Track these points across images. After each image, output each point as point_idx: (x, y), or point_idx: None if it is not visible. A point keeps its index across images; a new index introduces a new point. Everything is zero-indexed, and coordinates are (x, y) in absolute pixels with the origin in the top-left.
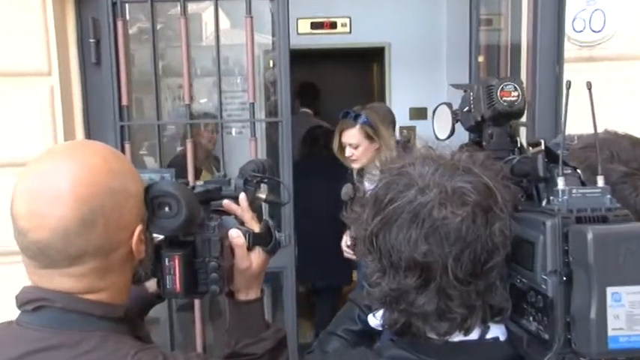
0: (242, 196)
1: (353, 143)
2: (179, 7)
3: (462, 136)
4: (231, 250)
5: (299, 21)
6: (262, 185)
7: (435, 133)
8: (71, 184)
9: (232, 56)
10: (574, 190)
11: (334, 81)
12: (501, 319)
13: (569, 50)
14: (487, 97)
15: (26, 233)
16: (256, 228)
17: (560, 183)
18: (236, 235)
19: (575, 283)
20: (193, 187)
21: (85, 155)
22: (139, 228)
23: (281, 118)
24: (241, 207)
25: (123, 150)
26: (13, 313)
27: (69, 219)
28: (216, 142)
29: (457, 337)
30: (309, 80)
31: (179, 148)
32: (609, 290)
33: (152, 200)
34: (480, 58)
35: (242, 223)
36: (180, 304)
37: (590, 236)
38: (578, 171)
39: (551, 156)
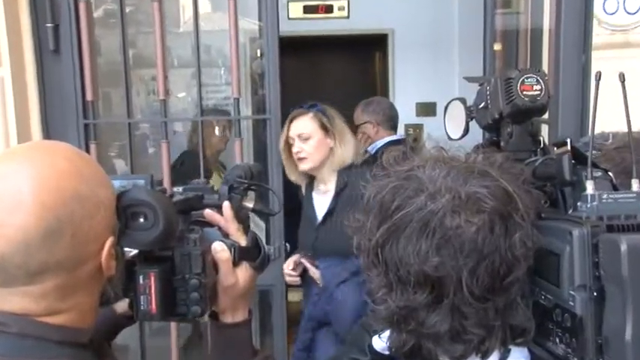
0: (226, 204)
1: (304, 134)
2: None
3: (477, 135)
4: (215, 265)
5: (290, 4)
6: (249, 193)
7: (446, 132)
8: (34, 190)
9: (214, 44)
10: (605, 195)
11: (330, 73)
12: (524, 341)
13: (599, 35)
14: (506, 92)
15: None
16: (242, 241)
17: (589, 187)
18: (220, 249)
19: (607, 299)
20: (171, 195)
21: (50, 157)
22: (109, 241)
23: (269, 116)
24: (225, 217)
25: (88, 152)
26: None
27: (31, 229)
28: (229, 140)
29: None
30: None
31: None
32: None
33: (125, 209)
34: (497, 46)
35: (226, 236)
36: (155, 328)
37: (623, 247)
38: (610, 174)
39: (578, 157)
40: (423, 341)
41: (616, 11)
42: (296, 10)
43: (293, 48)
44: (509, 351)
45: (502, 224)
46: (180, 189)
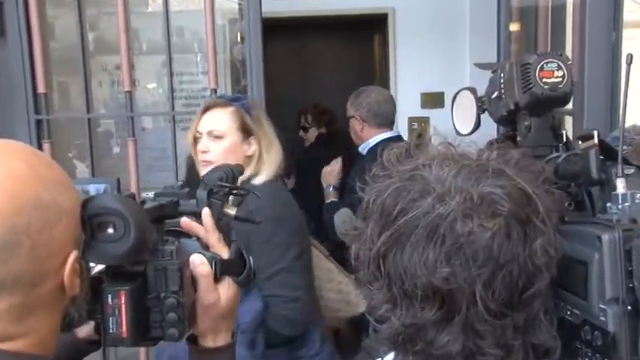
0: (206, 212)
1: (215, 131)
2: None
3: (491, 130)
4: (194, 281)
5: None
6: (231, 198)
7: (455, 127)
8: None
9: (188, 27)
10: (638, 195)
11: (322, 60)
12: None
13: (633, 12)
14: (522, 79)
15: None
16: (225, 253)
17: (620, 186)
18: (199, 263)
19: None
20: (143, 202)
21: (3, 158)
22: (73, 254)
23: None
24: (205, 226)
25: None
26: None
27: None
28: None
29: None
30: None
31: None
32: None
33: (91, 219)
34: (513, 26)
35: (206, 247)
36: (123, 355)
37: None
38: None
39: (607, 152)
40: None
41: None
42: None
43: (279, 31)
44: None
45: (520, 229)
46: (152, 194)
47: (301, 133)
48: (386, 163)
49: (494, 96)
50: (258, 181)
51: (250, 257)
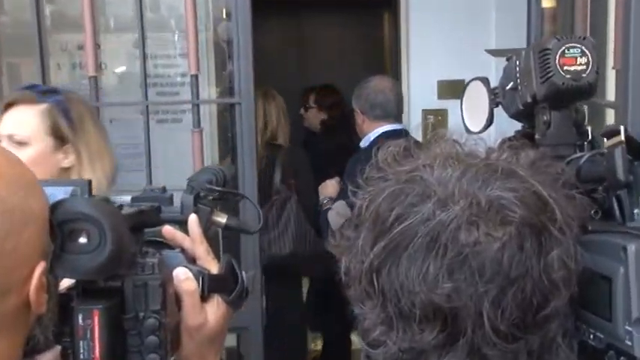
0: (192, 219)
1: (17, 135)
2: None
3: (507, 126)
4: (178, 300)
5: None
6: (221, 203)
7: (464, 123)
8: None
9: (164, 0)
10: None
11: (322, 42)
12: None
13: None
14: (541, 67)
15: None
16: (214, 267)
17: None
18: (184, 278)
19: None
20: (120, 207)
21: None
22: (40, 266)
23: (239, 99)
24: (191, 236)
25: None
26: None
27: None
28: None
29: None
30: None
31: None
32: None
33: (61, 225)
34: (546, 2)
35: (193, 260)
36: None
37: None
38: None
39: (637, 151)
40: None
41: None
42: None
43: (271, 8)
44: None
45: (534, 239)
46: (128, 199)
47: (302, 111)
48: (381, 164)
49: (509, 87)
50: None
51: (244, 273)
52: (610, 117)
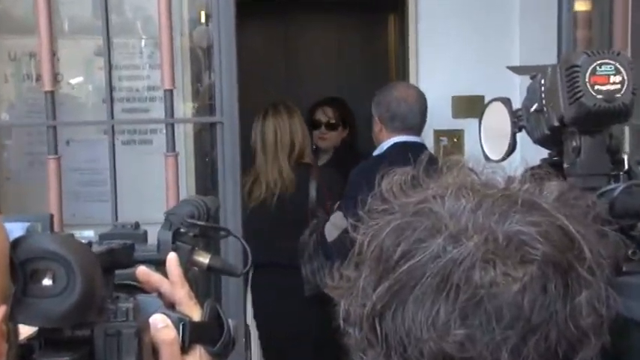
0: (171, 259)
1: None
2: None
3: (532, 154)
4: (155, 351)
5: None
6: (203, 241)
7: (483, 150)
8: None
9: (132, 1)
10: None
11: (318, 51)
12: None
13: None
14: (569, 87)
15: None
16: (196, 313)
17: None
18: (162, 326)
19: None
20: (89, 245)
21: None
22: (0, 311)
23: (220, 118)
24: (170, 278)
25: None
26: None
27: None
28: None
29: None
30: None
31: None
32: None
33: (23, 265)
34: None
35: (172, 306)
36: None
37: None
38: None
39: None
40: None
41: None
42: None
43: (258, 11)
44: None
45: (559, 280)
46: (91, 234)
47: (322, 130)
48: (386, 194)
49: (533, 109)
50: None
51: (229, 320)
52: None
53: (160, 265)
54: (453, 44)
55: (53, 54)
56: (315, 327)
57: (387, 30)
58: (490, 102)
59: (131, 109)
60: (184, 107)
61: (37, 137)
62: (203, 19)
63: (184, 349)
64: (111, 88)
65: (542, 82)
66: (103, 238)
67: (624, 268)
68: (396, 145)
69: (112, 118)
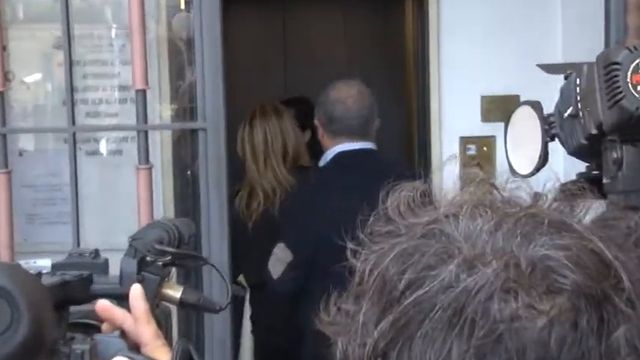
0: (136, 292)
1: None
2: None
3: (567, 167)
4: None
5: None
6: (173, 271)
7: (509, 163)
8: None
9: None
10: None
11: (321, 43)
12: None
13: None
14: (608, 88)
15: None
16: (164, 357)
17: None
18: None
19: None
20: (39, 276)
21: None
22: None
23: (203, 124)
24: (134, 314)
25: None
26: None
27: None
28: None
29: None
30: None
31: None
32: None
33: None
34: None
35: (136, 347)
36: None
37: None
38: None
39: None
40: None
41: None
42: None
43: None
44: None
45: (593, 313)
46: (48, 264)
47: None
48: (391, 214)
49: (567, 114)
50: None
51: None
52: None
53: (122, 300)
54: (482, 34)
55: (3, 47)
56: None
57: (404, 17)
58: (518, 106)
59: (97, 113)
60: (161, 110)
61: None
62: (183, 5)
63: None
64: (72, 88)
65: (577, 82)
66: (55, 268)
67: None
68: (340, 155)
69: (74, 124)
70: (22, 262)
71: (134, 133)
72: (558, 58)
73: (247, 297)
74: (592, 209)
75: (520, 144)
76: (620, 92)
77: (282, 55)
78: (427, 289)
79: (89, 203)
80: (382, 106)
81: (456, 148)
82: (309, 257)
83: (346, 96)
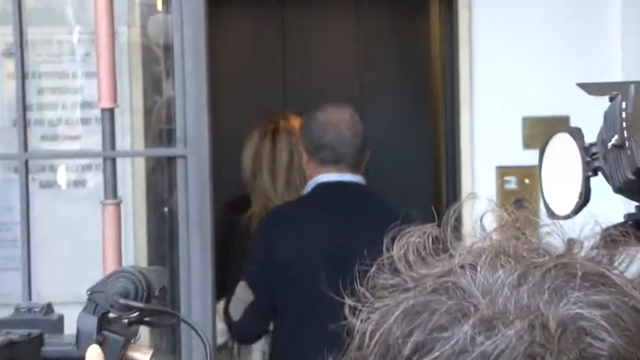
0: (93, 354)
1: None
2: None
3: (613, 205)
4: None
5: None
6: (142, 331)
7: (544, 201)
8: None
9: None
10: None
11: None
12: None
13: None
14: None
15: None
16: None
17: None
18: None
19: None
20: None
21: None
22: None
23: (183, 150)
24: None
25: None
26: None
27: None
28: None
29: None
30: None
31: None
32: None
33: None
34: None
35: None
36: None
37: None
38: None
39: None
40: None
41: None
42: None
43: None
44: None
45: None
46: None
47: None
48: (398, 263)
49: (611, 143)
50: None
51: None
52: None
53: None
54: (524, 41)
55: None
56: None
57: (428, 19)
58: (554, 134)
59: (55, 136)
60: (132, 133)
61: None
62: (160, 4)
63: None
64: (25, 106)
65: (624, 106)
66: (1, 325)
67: None
68: (324, 186)
69: (26, 150)
70: None
71: (99, 161)
72: (617, 72)
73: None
74: (637, 259)
75: (557, 179)
76: None
77: (281, 63)
78: (437, 354)
79: (44, 245)
80: (401, 129)
81: (492, 179)
82: (272, 298)
83: (339, 120)
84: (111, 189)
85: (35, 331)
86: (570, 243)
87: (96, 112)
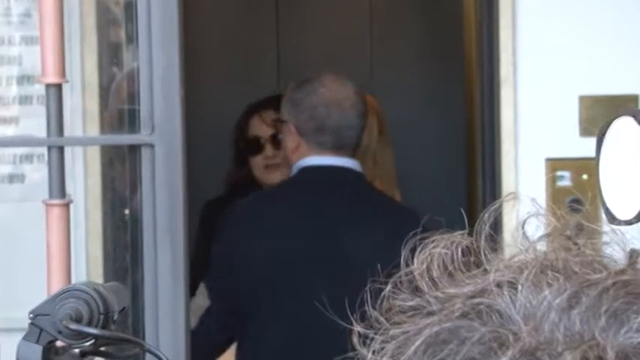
0: None
1: None
2: None
3: None
4: None
5: None
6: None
7: (602, 202)
8: None
9: None
10: None
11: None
12: None
13: None
14: None
15: None
16: None
17: None
18: None
19: None
20: None
21: None
22: None
23: (150, 137)
24: None
25: None
26: None
27: None
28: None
29: None
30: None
31: None
32: None
33: None
34: None
35: None
36: None
37: None
38: None
39: None
40: None
41: None
42: None
43: None
44: None
45: None
46: None
47: (266, 154)
48: (419, 281)
49: None
50: None
51: None
52: None
53: None
54: (581, 5)
55: None
56: None
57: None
58: (614, 119)
59: None
60: (84, 116)
61: None
62: None
63: None
64: None
65: None
66: None
67: None
68: (306, 169)
69: None
70: None
71: (43, 150)
72: None
73: None
74: None
75: (619, 174)
76: None
77: (275, 34)
78: None
79: None
80: (423, 110)
81: (541, 173)
82: (233, 305)
83: (343, 97)
84: (57, 185)
85: None
86: (634, 255)
87: (38, 89)
